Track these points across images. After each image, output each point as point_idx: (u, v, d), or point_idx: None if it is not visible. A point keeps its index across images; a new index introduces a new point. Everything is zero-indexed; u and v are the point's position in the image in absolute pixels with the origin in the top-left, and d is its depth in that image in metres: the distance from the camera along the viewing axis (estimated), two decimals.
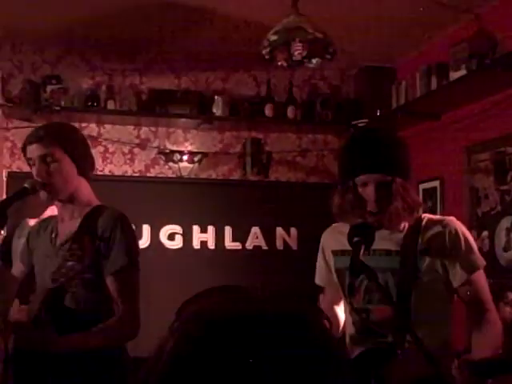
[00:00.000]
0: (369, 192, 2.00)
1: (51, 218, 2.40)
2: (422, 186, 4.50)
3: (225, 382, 0.59)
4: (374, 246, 1.91)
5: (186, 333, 0.65)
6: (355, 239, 1.85)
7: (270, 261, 4.73)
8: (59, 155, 2.18)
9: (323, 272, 2.32)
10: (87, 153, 2.33)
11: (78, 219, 2.25)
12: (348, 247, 1.99)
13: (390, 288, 2.01)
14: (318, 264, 2.36)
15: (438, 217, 2.19)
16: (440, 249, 2.04)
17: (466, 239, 2.06)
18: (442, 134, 4.26)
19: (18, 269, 2.39)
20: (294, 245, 4.82)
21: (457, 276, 2.03)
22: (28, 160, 2.23)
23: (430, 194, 4.43)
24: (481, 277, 2.08)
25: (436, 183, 4.35)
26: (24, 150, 2.23)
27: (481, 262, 2.08)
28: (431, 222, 2.09)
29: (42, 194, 2.19)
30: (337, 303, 2.33)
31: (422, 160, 4.52)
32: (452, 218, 2.12)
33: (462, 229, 2.08)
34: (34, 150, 2.18)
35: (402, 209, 2.01)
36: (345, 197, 2.07)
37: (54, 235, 2.30)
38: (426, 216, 2.14)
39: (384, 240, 2.03)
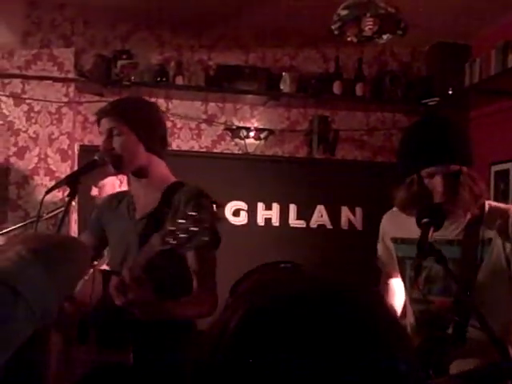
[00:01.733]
0: (436, 183, 1.94)
1: (124, 193, 2.43)
2: (494, 168, 4.35)
3: (291, 354, 0.60)
4: (436, 235, 1.85)
5: (252, 305, 0.65)
6: (424, 220, 1.81)
7: (334, 240, 4.70)
8: (124, 130, 2.19)
9: (384, 256, 2.30)
10: (156, 130, 2.29)
11: (154, 195, 2.24)
12: (409, 235, 1.99)
13: (448, 281, 1.97)
14: (379, 247, 2.34)
15: (501, 205, 2.09)
16: (503, 239, 1.97)
17: None
18: None
19: (85, 241, 2.40)
20: (358, 225, 4.77)
21: None
22: (100, 133, 2.27)
23: (502, 176, 4.28)
24: None
25: (509, 165, 4.20)
26: (98, 123, 2.27)
27: None
28: (494, 211, 2.03)
29: (109, 166, 2.22)
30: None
31: (495, 141, 4.37)
32: None
33: None
34: (103, 124, 2.22)
35: (470, 199, 1.96)
36: (410, 189, 2.02)
37: (131, 210, 2.31)
38: (490, 204, 2.06)
39: (446, 229, 1.96)
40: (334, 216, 4.75)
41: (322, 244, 4.63)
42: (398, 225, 2.19)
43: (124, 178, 3.38)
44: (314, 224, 4.74)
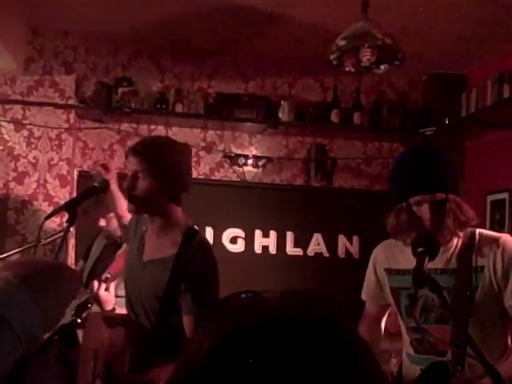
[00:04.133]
0: (424, 211, 2.00)
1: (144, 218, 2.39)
2: (489, 198, 4.38)
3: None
4: (429, 265, 1.85)
5: (216, 337, 0.66)
6: (419, 249, 1.83)
7: (331, 268, 4.70)
8: (149, 176, 2.17)
9: (372, 288, 2.31)
10: (183, 180, 2.26)
11: (166, 242, 2.23)
12: (403, 266, 2.03)
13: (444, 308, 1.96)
14: (367, 279, 2.34)
15: (492, 234, 2.12)
16: (494, 267, 2.00)
17: None
18: None
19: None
20: (355, 253, 4.78)
21: (507, 296, 1.99)
22: (126, 168, 2.28)
23: (498, 205, 4.30)
24: None
25: (505, 195, 4.22)
26: (126, 157, 2.26)
27: None
28: (486, 239, 2.06)
29: (129, 206, 2.23)
30: (380, 319, 2.34)
31: (491, 171, 4.40)
32: (507, 237, 2.08)
33: None
34: (131, 162, 2.20)
35: (454, 226, 2.01)
36: (399, 217, 2.07)
37: (140, 247, 2.32)
38: (480, 232, 2.10)
39: (438, 258, 1.96)
40: (331, 244, 4.76)
41: (318, 272, 4.63)
42: (391, 256, 2.22)
43: None
44: (311, 252, 4.75)
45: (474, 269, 2.02)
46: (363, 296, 2.37)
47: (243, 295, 0.80)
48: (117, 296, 3.23)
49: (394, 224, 2.10)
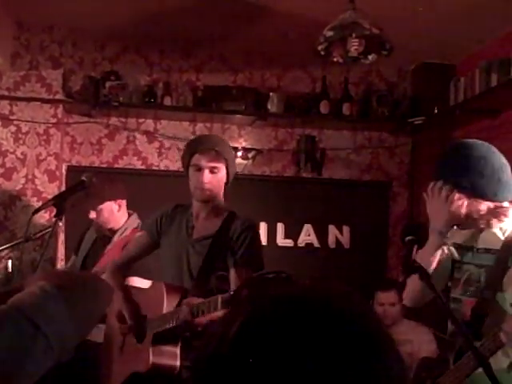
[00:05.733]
0: None
1: (185, 207, 2.72)
2: None
3: (291, 359, 0.61)
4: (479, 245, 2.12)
5: (252, 312, 0.67)
6: (408, 238, 1.84)
7: (321, 259, 4.71)
8: (222, 169, 2.60)
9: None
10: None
11: (214, 220, 2.61)
12: (460, 241, 2.22)
13: (481, 283, 2.11)
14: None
15: None
16: None
17: None
18: (501, 132, 4.14)
19: (144, 243, 2.75)
20: (346, 243, 4.79)
21: None
22: (192, 166, 2.57)
23: None
24: None
25: None
26: (190, 156, 2.59)
27: None
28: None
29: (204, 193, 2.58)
30: None
31: None
32: None
33: None
34: (203, 159, 2.55)
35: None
36: None
37: (189, 228, 2.63)
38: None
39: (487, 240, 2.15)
40: (322, 235, 4.77)
41: (309, 263, 4.64)
42: (464, 234, 2.31)
43: (122, 202, 3.43)
44: (301, 243, 4.75)
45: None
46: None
47: (270, 275, 0.80)
48: None
49: None
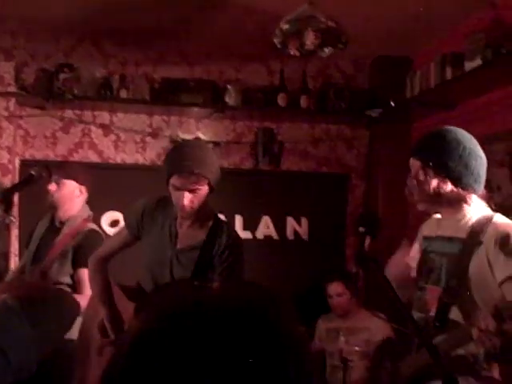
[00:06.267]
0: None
1: (168, 203, 2.57)
2: None
3: (178, 370, 0.61)
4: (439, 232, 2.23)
5: (142, 324, 0.67)
6: (360, 229, 1.85)
7: (280, 251, 4.73)
8: (204, 187, 2.48)
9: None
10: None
11: (198, 230, 2.53)
12: (429, 233, 2.30)
13: (442, 272, 2.17)
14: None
15: (508, 222, 2.20)
16: (494, 254, 2.07)
17: None
18: (456, 124, 4.16)
19: (125, 237, 2.66)
20: (304, 235, 4.81)
21: (498, 273, 2.04)
22: (172, 186, 2.46)
23: None
24: None
25: None
26: (169, 175, 2.45)
27: None
28: (499, 225, 2.13)
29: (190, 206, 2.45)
30: None
31: None
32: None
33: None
34: (182, 182, 2.42)
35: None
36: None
37: (173, 236, 2.54)
38: (497, 216, 2.19)
39: (450, 228, 2.23)
40: (280, 227, 4.78)
41: (268, 255, 4.65)
42: (430, 226, 2.40)
43: (84, 190, 3.40)
44: (260, 235, 4.76)
45: (478, 243, 2.10)
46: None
47: (183, 284, 0.79)
48: (58, 283, 3.16)
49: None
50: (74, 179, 3.33)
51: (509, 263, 2.00)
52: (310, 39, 3.35)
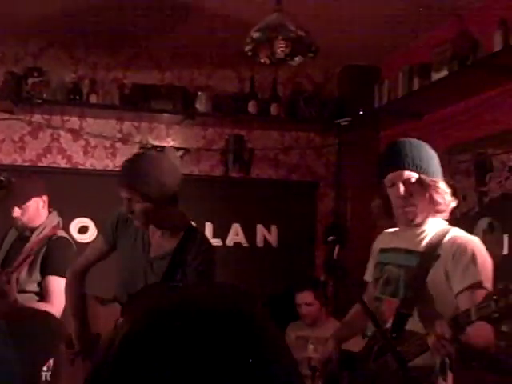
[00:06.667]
0: (396, 190, 2.15)
1: None
2: None
3: (165, 369, 0.62)
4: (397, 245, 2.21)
5: (132, 324, 0.67)
6: (330, 238, 1.87)
7: (249, 258, 4.74)
8: (140, 200, 2.44)
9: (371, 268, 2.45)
10: (168, 190, 2.51)
11: (170, 238, 2.53)
12: (393, 245, 2.27)
13: (400, 284, 2.17)
14: (370, 262, 2.49)
15: (464, 235, 2.21)
16: (447, 260, 2.11)
17: (478, 261, 2.08)
18: (424, 134, 4.25)
19: (100, 247, 2.67)
20: (274, 242, 4.83)
21: (455, 285, 2.08)
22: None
23: None
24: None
25: None
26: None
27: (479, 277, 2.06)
28: (457, 238, 2.15)
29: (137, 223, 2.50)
30: None
31: None
32: (476, 240, 2.17)
33: (482, 253, 2.11)
34: (121, 192, 2.45)
35: (423, 208, 2.17)
36: (376, 201, 2.34)
37: (146, 244, 2.56)
38: (455, 229, 2.21)
39: (407, 241, 2.21)
40: (250, 234, 4.79)
41: (238, 262, 4.66)
42: (383, 238, 2.41)
43: (45, 198, 3.36)
44: (230, 242, 4.77)
45: (436, 257, 2.12)
46: (366, 277, 2.48)
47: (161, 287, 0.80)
48: (24, 291, 3.12)
49: (375, 208, 2.29)
50: (34, 197, 3.30)
51: (465, 275, 2.03)
52: (280, 48, 3.37)
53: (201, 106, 4.56)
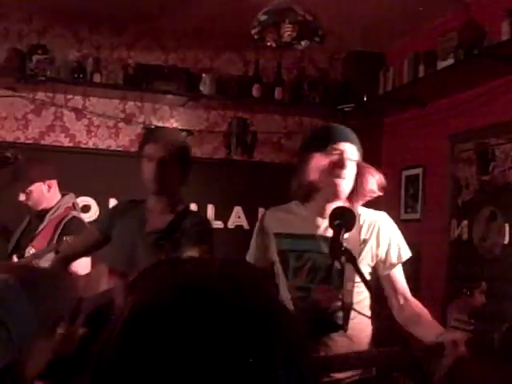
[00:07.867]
0: None
1: (140, 202, 2.66)
2: (404, 173, 4.53)
3: (174, 346, 0.62)
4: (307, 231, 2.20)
5: (138, 300, 0.67)
6: (336, 222, 1.88)
7: (250, 240, 4.74)
8: (173, 162, 2.56)
9: (261, 250, 2.45)
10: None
11: (167, 215, 2.55)
12: (293, 230, 2.24)
13: (333, 271, 2.16)
14: (254, 242, 2.51)
15: (373, 211, 2.30)
16: (377, 241, 2.20)
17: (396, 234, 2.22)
18: (427, 122, 4.28)
19: (92, 235, 2.70)
20: None
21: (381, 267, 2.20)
22: (146, 157, 2.52)
23: (412, 180, 4.46)
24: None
25: (418, 170, 4.38)
26: (142, 147, 2.56)
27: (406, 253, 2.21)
28: (369, 215, 2.24)
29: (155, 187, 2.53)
30: None
31: (406, 147, 4.55)
32: (385, 215, 2.26)
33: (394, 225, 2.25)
34: (152, 149, 2.52)
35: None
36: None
37: (142, 221, 2.58)
38: (362, 209, 2.27)
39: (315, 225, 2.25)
40: (252, 217, 4.79)
41: (239, 244, 4.65)
42: (279, 221, 2.38)
43: (52, 182, 3.38)
44: (231, 225, 4.78)
45: (362, 241, 2.18)
46: (248, 257, 2.51)
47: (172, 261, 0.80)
48: None
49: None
50: (37, 181, 3.32)
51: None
52: (287, 31, 3.37)
53: (205, 88, 4.55)
